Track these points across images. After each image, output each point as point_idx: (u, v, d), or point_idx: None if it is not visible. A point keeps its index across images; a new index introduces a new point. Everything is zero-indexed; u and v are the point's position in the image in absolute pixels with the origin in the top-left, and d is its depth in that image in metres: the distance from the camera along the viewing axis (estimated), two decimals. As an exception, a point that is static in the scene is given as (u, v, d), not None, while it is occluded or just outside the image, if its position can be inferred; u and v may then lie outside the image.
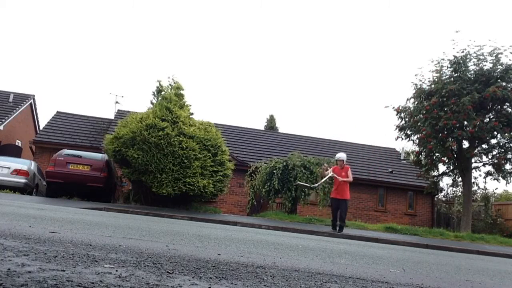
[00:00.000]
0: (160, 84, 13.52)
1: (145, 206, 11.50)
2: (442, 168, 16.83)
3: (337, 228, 9.76)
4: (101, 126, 21.82)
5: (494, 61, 14.79)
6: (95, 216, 6.14)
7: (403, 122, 16.30)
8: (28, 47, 63.56)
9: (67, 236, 3.14)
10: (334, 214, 10.07)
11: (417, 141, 16.09)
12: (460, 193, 22.23)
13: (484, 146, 15.55)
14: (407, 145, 33.64)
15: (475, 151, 15.26)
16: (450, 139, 15.11)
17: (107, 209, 9.03)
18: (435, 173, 17.42)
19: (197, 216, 9.72)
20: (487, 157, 15.73)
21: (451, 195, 25.77)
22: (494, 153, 15.50)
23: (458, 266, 4.68)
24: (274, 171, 13.70)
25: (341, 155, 10.26)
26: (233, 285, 1.98)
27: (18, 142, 24.55)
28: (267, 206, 15.36)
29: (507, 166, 15.35)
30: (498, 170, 15.40)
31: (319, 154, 19.29)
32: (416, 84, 15.94)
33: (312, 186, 11.72)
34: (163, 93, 13.21)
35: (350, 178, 10.03)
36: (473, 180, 15.94)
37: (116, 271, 1.96)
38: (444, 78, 15.21)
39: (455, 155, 15.63)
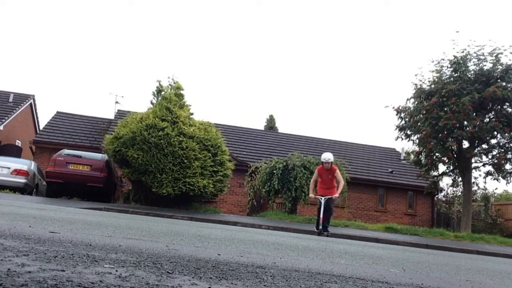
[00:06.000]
0: (160, 84, 13.52)
1: (145, 206, 11.50)
2: (442, 168, 16.85)
3: (321, 230, 8.64)
4: (101, 126, 21.83)
5: (494, 61, 14.78)
6: (95, 216, 6.14)
7: (403, 122, 16.30)
8: (28, 47, 63.60)
9: (67, 236, 3.14)
10: (320, 214, 8.79)
11: (417, 141, 16.09)
12: (460, 193, 22.23)
13: (484, 146, 15.55)
14: (407, 145, 33.62)
15: (475, 151, 15.26)
16: (450, 139, 15.11)
17: (107, 209, 9.03)
18: (435, 173, 17.42)
19: (197, 216, 9.72)
20: (487, 157, 15.73)
21: (451, 195, 25.77)
22: (494, 153, 15.50)
23: (458, 266, 4.68)
24: (274, 171, 13.70)
25: (327, 157, 8.93)
26: (233, 285, 1.98)
27: (18, 142, 24.54)
28: (267, 206, 15.36)
29: (507, 166, 15.35)
30: (498, 170, 15.40)
31: (319, 154, 19.19)
32: (416, 84, 15.94)
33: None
34: (163, 93, 13.21)
35: (342, 182, 9.03)
36: (473, 180, 15.95)
37: (116, 271, 1.96)
38: (444, 78, 15.22)
39: (455, 155, 15.63)
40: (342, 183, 9.06)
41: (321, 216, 8.64)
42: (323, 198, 8.77)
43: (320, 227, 8.64)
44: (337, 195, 8.94)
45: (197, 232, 5.18)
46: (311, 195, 9.23)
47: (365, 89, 64.09)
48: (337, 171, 9.05)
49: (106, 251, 2.56)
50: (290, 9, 69.08)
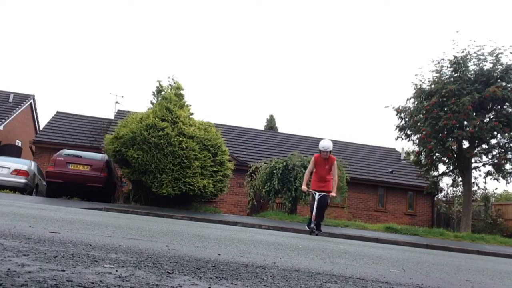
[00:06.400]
0: (160, 84, 13.53)
1: (145, 206, 11.50)
2: (442, 168, 16.87)
3: (315, 227, 8.08)
4: (101, 126, 21.83)
5: (494, 61, 14.79)
6: (95, 216, 6.14)
7: (403, 122, 16.31)
8: (28, 47, 63.59)
9: (67, 236, 3.14)
10: (313, 210, 8.08)
11: (417, 141, 16.10)
12: (460, 193, 22.25)
13: (484, 146, 15.56)
14: (407, 145, 33.63)
15: (475, 151, 15.26)
16: (450, 139, 15.11)
17: (107, 209, 9.03)
18: (435, 173, 17.42)
19: (197, 216, 9.72)
20: (487, 157, 15.73)
21: (451, 195, 25.79)
22: (494, 153, 15.50)
23: (458, 266, 4.68)
24: (274, 171, 13.70)
25: (327, 145, 8.08)
26: (233, 285, 1.98)
27: (18, 142, 24.55)
28: (267, 206, 15.36)
29: (507, 166, 15.36)
30: (498, 170, 15.40)
31: (319, 154, 19.26)
32: (416, 84, 15.94)
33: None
34: (163, 93, 13.22)
35: (336, 178, 8.32)
36: (473, 180, 15.95)
37: (116, 271, 1.96)
38: (444, 78, 15.22)
39: (455, 155, 15.63)
40: (336, 179, 8.35)
41: (314, 213, 7.97)
42: (317, 193, 8.07)
43: (312, 225, 7.97)
44: (334, 194, 8.28)
45: (197, 232, 5.18)
46: (304, 187, 8.44)
47: (365, 89, 64.12)
48: (335, 163, 8.29)
49: (106, 251, 2.56)
50: (290, 9, 69.10)
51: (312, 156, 14.96)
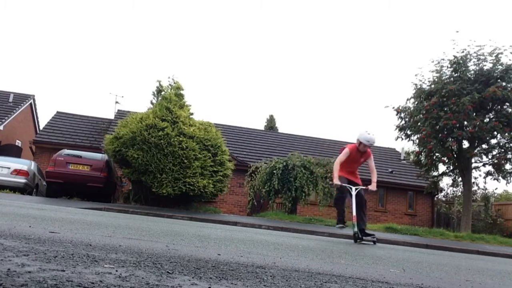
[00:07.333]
0: (160, 84, 13.53)
1: (145, 206, 11.50)
2: (442, 168, 16.86)
3: (359, 234, 6.50)
4: (101, 126, 21.83)
5: (494, 61, 14.78)
6: (95, 216, 6.14)
7: (403, 122, 16.30)
8: (28, 47, 63.57)
9: (67, 236, 3.14)
10: (342, 206, 6.91)
11: (417, 141, 16.09)
12: (460, 193, 22.25)
13: (484, 146, 15.55)
14: (407, 145, 33.60)
15: (475, 151, 15.26)
16: (450, 139, 15.11)
17: (107, 209, 9.02)
18: (435, 173, 17.42)
19: (197, 216, 9.71)
20: (487, 157, 15.72)
21: (451, 195, 25.78)
22: (494, 153, 15.49)
23: (458, 266, 4.68)
24: (274, 171, 13.70)
25: (372, 139, 6.81)
26: (233, 285, 1.98)
27: (18, 142, 24.54)
28: (267, 206, 15.36)
29: (507, 166, 15.35)
30: (498, 170, 15.39)
31: (319, 154, 19.30)
32: (416, 84, 15.94)
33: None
34: (163, 93, 13.22)
35: (375, 171, 7.16)
36: (473, 180, 15.94)
37: (116, 271, 1.96)
38: (444, 78, 15.21)
39: (455, 155, 15.62)
40: (375, 172, 7.12)
41: (354, 213, 6.48)
42: (353, 188, 6.70)
43: (356, 229, 6.45)
44: (374, 187, 6.91)
45: (197, 232, 5.18)
46: (337, 181, 6.70)
47: (365, 89, 64.12)
48: (372, 156, 7.15)
49: (106, 251, 2.56)
50: (290, 9, 69.11)
51: (312, 156, 14.84)
